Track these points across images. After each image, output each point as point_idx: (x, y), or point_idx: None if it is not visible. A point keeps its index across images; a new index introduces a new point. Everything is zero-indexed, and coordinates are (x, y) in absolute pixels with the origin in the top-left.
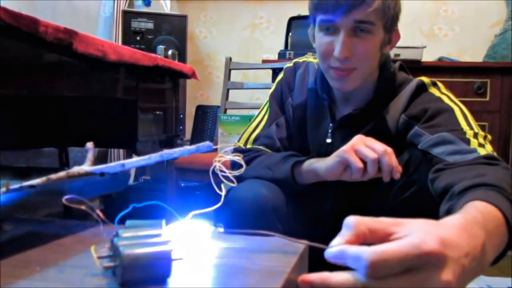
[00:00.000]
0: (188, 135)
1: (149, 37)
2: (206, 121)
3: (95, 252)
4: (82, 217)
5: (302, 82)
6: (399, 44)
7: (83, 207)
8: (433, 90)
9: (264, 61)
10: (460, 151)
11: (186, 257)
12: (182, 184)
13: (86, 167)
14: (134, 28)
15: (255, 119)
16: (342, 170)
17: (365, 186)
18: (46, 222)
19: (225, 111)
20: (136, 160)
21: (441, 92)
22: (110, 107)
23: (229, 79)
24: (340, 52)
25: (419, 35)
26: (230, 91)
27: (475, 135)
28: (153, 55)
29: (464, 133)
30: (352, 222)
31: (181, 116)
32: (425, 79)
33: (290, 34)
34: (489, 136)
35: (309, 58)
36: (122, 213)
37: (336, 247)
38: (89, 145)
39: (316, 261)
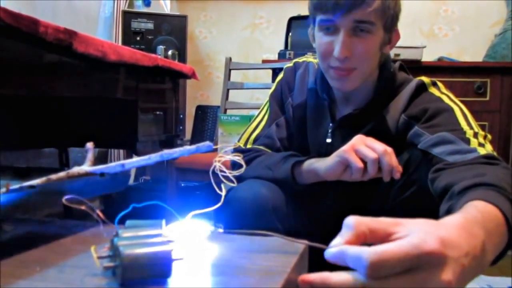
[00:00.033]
0: (188, 135)
1: (149, 37)
2: (206, 121)
3: (95, 252)
4: (82, 217)
5: (302, 82)
6: (399, 44)
7: (83, 207)
8: (433, 90)
9: (264, 61)
10: (460, 151)
11: (186, 257)
12: (182, 184)
13: (86, 167)
14: (134, 29)
15: (255, 119)
16: (342, 170)
17: (365, 186)
18: (46, 222)
19: (225, 111)
20: (136, 160)
21: (441, 92)
22: (110, 107)
23: (229, 79)
24: (340, 52)
25: (419, 35)
26: (230, 91)
27: (475, 135)
28: (153, 55)
29: (464, 132)
30: (352, 222)
31: (181, 116)
32: (425, 79)
33: (290, 34)
34: (489, 136)
35: (309, 58)
36: (122, 213)
37: (336, 247)
38: (89, 145)
39: (316, 261)
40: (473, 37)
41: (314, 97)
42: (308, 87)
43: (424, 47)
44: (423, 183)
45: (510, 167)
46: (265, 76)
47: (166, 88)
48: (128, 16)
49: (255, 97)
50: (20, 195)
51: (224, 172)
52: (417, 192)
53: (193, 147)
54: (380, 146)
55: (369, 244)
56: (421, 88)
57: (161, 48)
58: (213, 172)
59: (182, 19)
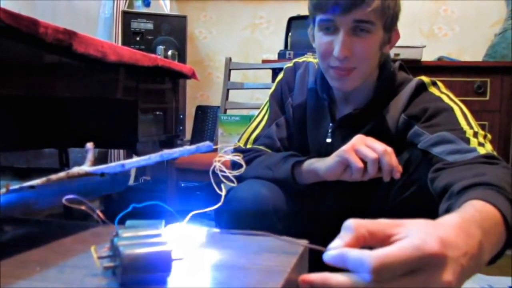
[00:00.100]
0: (188, 135)
1: (149, 37)
2: (206, 121)
3: (95, 252)
4: (82, 217)
5: (302, 82)
6: (399, 43)
7: (83, 208)
8: (433, 90)
9: (264, 61)
10: (460, 150)
11: (186, 257)
12: (182, 184)
13: (86, 168)
14: (134, 29)
15: (255, 119)
16: (342, 170)
17: (365, 186)
18: (46, 223)
19: (225, 111)
20: (136, 161)
21: (441, 92)
22: (110, 108)
23: (229, 79)
24: (339, 51)
25: (419, 34)
26: (230, 91)
27: (475, 134)
28: (153, 55)
29: (464, 132)
30: (352, 225)
31: (181, 116)
32: (425, 79)
33: (290, 34)
34: (489, 135)
35: (309, 58)
36: (122, 213)
37: (336, 249)
38: (89, 145)
39: (317, 261)
40: (473, 36)
41: (314, 97)
42: (308, 87)
43: (424, 46)
44: (423, 182)
45: (510, 167)
46: (265, 76)
47: (166, 88)
48: (127, 17)
49: (255, 97)
50: (21, 195)
51: (224, 172)
52: (417, 191)
53: (193, 147)
54: (380, 146)
55: (369, 247)
56: (421, 87)
57: (161, 48)
58: (213, 172)
59: (182, 19)
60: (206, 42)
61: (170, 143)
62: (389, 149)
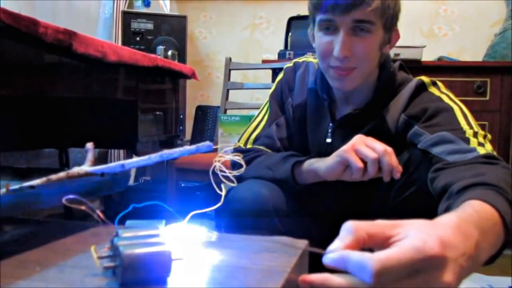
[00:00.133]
0: (188, 135)
1: (149, 37)
2: (206, 122)
3: (95, 252)
4: (82, 217)
5: (302, 82)
6: (399, 43)
7: (83, 208)
8: (432, 90)
9: (264, 61)
10: (460, 150)
11: (186, 257)
12: (182, 185)
13: (86, 168)
14: (134, 29)
15: (255, 119)
16: (342, 170)
17: (365, 186)
18: (46, 223)
19: (225, 112)
20: (136, 161)
21: (441, 92)
22: (110, 108)
23: (229, 79)
24: (339, 51)
25: (419, 34)
26: (230, 91)
27: (475, 134)
28: (153, 55)
29: (464, 132)
30: (352, 227)
31: (181, 116)
32: (425, 79)
33: (290, 34)
34: (489, 135)
35: (309, 58)
36: (122, 213)
37: (337, 252)
38: (89, 145)
39: (317, 261)
40: (473, 36)
41: (314, 97)
42: (308, 87)
43: (424, 46)
44: (423, 182)
45: (510, 167)
46: (265, 76)
47: (166, 89)
48: (127, 17)
49: (255, 97)
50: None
51: (224, 172)
52: (417, 191)
53: (193, 147)
54: (380, 146)
55: (369, 248)
56: (421, 87)
57: (161, 48)
58: (213, 172)
59: (182, 19)
60: (206, 42)
61: (170, 143)
62: (389, 149)
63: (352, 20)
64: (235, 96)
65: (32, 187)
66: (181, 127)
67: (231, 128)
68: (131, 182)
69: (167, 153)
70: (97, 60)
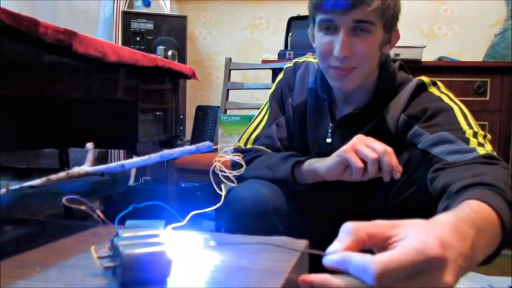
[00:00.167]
0: (188, 135)
1: (149, 37)
2: (206, 122)
3: (95, 252)
4: (82, 217)
5: (302, 82)
6: (399, 43)
7: (83, 208)
8: (432, 90)
9: (264, 62)
10: (460, 151)
11: (185, 257)
12: (183, 185)
13: (86, 168)
14: (134, 29)
15: (255, 119)
16: (342, 170)
17: (365, 186)
18: (46, 223)
19: (225, 112)
20: (136, 161)
21: (441, 92)
22: (110, 108)
23: (229, 79)
24: (339, 51)
25: (419, 34)
26: (230, 91)
27: (475, 135)
28: (153, 55)
29: (464, 132)
30: (351, 228)
31: (181, 116)
32: (425, 79)
33: (290, 34)
34: (488, 136)
35: (309, 58)
36: (122, 213)
37: (337, 253)
38: (89, 145)
39: (317, 261)
40: (473, 37)
41: (314, 97)
42: (308, 87)
43: (424, 47)
44: (423, 182)
45: (510, 167)
46: (265, 76)
47: (166, 89)
48: (128, 17)
49: (255, 97)
50: (23, 195)
51: (224, 172)
52: (417, 191)
53: (193, 147)
54: (380, 146)
55: (369, 249)
56: (421, 87)
57: (161, 48)
58: (213, 172)
59: (182, 19)
60: (206, 42)
61: (170, 143)
62: (389, 149)
63: (352, 20)
64: (235, 96)
65: (32, 187)
66: (181, 127)
67: (231, 128)
68: (131, 182)
69: (167, 153)
70: (97, 60)
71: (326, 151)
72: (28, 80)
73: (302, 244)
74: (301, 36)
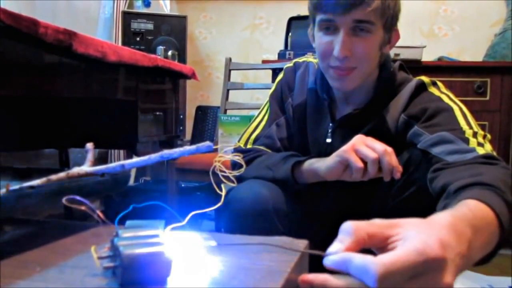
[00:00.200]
0: (188, 135)
1: (149, 37)
2: (206, 122)
3: (95, 252)
4: (82, 217)
5: (302, 82)
6: (399, 43)
7: (83, 208)
8: (432, 90)
9: (264, 62)
10: (459, 151)
11: (185, 257)
12: (182, 185)
13: (86, 168)
14: (134, 29)
15: (255, 119)
16: (342, 170)
17: (366, 186)
18: (46, 223)
19: (225, 112)
20: (136, 161)
21: (441, 92)
22: (110, 108)
23: (229, 79)
24: (339, 51)
25: (419, 35)
26: (230, 91)
27: (474, 135)
28: (153, 56)
29: (463, 132)
30: (351, 228)
31: (181, 116)
32: (425, 79)
33: (290, 34)
34: (488, 136)
35: (309, 58)
36: (122, 213)
37: (338, 254)
38: (89, 146)
39: (317, 261)
40: (473, 37)
41: (314, 97)
42: (308, 87)
43: (424, 47)
44: (423, 183)
45: (510, 167)
46: (265, 76)
47: (166, 89)
48: (128, 17)
49: (255, 98)
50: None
51: (224, 172)
52: (417, 191)
53: (193, 147)
54: (380, 146)
55: (369, 250)
56: (421, 87)
57: (161, 48)
58: (213, 172)
59: (182, 19)
60: (206, 42)
61: (170, 143)
62: (389, 149)
63: (352, 20)
64: (235, 96)
65: (32, 187)
66: (181, 127)
67: (231, 128)
68: (131, 182)
69: (167, 153)
70: (97, 60)
71: (326, 151)
72: (28, 80)
73: (302, 244)
74: (301, 36)
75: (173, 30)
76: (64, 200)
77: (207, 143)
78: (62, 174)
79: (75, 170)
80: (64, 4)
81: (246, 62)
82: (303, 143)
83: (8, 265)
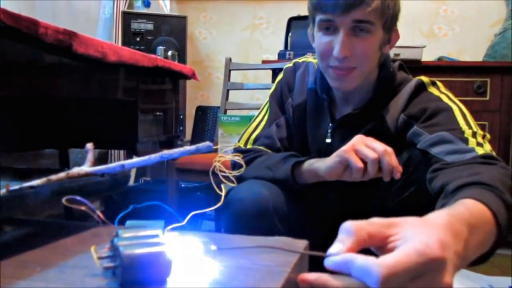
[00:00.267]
0: (188, 135)
1: (149, 38)
2: (206, 122)
3: (95, 252)
4: (82, 217)
5: (302, 82)
6: (398, 43)
7: (83, 208)
8: (432, 90)
9: (264, 62)
10: (459, 151)
11: (185, 258)
12: (182, 185)
13: (86, 168)
14: (134, 29)
15: (255, 119)
16: (342, 170)
17: (365, 186)
18: (46, 223)
19: (225, 112)
20: (136, 161)
21: (440, 92)
22: (110, 108)
23: (229, 79)
24: (339, 51)
25: (418, 34)
26: (230, 91)
27: (474, 134)
28: (153, 56)
29: (463, 132)
30: (351, 228)
31: (181, 116)
32: (425, 79)
33: (289, 34)
34: (488, 135)
35: (309, 58)
36: (122, 213)
37: (339, 255)
38: (89, 146)
39: (317, 261)
40: (473, 36)
41: (314, 97)
42: (308, 87)
43: (424, 46)
44: (423, 182)
45: (509, 167)
46: (265, 76)
47: (166, 89)
48: (127, 17)
49: (255, 98)
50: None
51: (224, 172)
52: (416, 191)
53: (193, 147)
54: (380, 146)
55: (368, 250)
56: (421, 87)
57: (161, 48)
58: (213, 172)
59: (182, 19)
60: (206, 42)
61: (170, 144)
62: (389, 149)
63: (352, 20)
64: (235, 96)
65: (32, 187)
66: (181, 128)
67: (231, 128)
68: (131, 182)
69: (167, 153)
70: (97, 61)
71: (326, 151)
72: (28, 80)
73: (302, 244)
74: (301, 36)
75: (173, 30)
76: (64, 200)
77: (207, 143)
78: (62, 174)
79: (75, 170)
80: (64, 4)
81: (246, 62)
82: (303, 143)
83: (8, 265)
